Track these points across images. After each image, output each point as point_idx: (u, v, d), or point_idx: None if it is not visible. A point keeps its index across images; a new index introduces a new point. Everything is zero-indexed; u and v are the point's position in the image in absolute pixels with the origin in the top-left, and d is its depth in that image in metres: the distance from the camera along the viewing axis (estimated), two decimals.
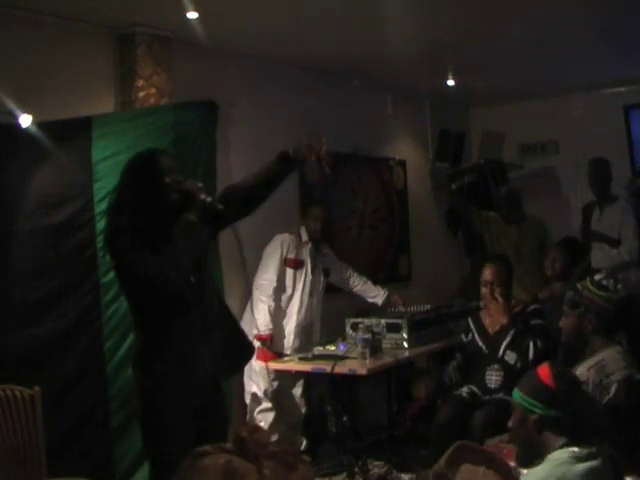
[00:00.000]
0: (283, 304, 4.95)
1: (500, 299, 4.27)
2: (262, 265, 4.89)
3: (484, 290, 4.34)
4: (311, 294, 5.03)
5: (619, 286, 3.07)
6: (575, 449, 2.15)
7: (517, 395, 2.34)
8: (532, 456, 2.27)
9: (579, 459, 2.12)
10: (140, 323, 2.87)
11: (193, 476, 2.19)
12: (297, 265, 4.96)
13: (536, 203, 6.34)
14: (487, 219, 5.95)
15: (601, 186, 5.67)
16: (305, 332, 5.03)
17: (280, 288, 4.88)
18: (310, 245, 5.03)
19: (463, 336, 4.42)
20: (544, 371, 2.30)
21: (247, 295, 4.94)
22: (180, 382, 2.78)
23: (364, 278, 5.41)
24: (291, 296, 4.96)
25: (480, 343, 4.29)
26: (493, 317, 4.30)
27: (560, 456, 2.15)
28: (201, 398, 2.84)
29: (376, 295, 5.35)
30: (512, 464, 2.55)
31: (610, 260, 5.35)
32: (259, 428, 2.52)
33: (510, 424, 2.37)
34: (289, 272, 4.94)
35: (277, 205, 5.52)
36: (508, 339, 4.16)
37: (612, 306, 3.01)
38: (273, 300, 4.81)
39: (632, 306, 3.16)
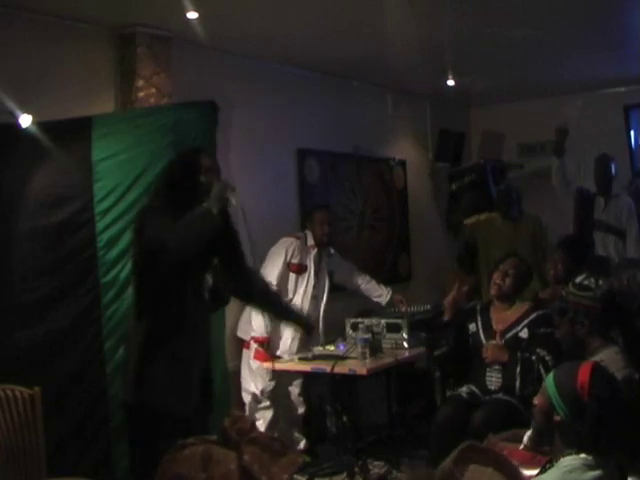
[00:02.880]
0: None
1: (505, 286, 4.17)
2: (264, 267, 4.88)
3: (495, 274, 4.23)
4: (314, 297, 5.03)
5: (600, 282, 3.08)
6: (587, 457, 2.13)
7: (551, 384, 2.26)
8: (544, 441, 2.26)
9: (590, 467, 2.11)
10: (144, 315, 2.91)
11: (174, 466, 2.21)
12: (300, 270, 4.95)
13: (536, 203, 6.34)
14: (481, 224, 5.99)
15: (605, 181, 5.71)
16: (304, 335, 5.02)
17: (281, 292, 4.87)
18: (315, 250, 5.02)
19: (468, 325, 4.26)
20: (584, 375, 2.20)
21: None
22: (175, 382, 2.81)
23: (367, 277, 5.40)
24: (291, 300, 4.95)
25: (484, 341, 4.19)
26: (500, 317, 4.21)
27: (571, 462, 2.13)
28: (192, 402, 2.89)
29: (380, 294, 5.35)
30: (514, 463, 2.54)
31: (616, 253, 5.43)
32: (242, 417, 2.56)
33: (536, 401, 2.32)
34: (291, 276, 4.93)
35: (277, 206, 5.56)
36: (519, 381, 3.92)
37: (598, 304, 3.02)
38: None
39: (617, 299, 3.15)
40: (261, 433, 2.58)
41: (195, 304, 2.99)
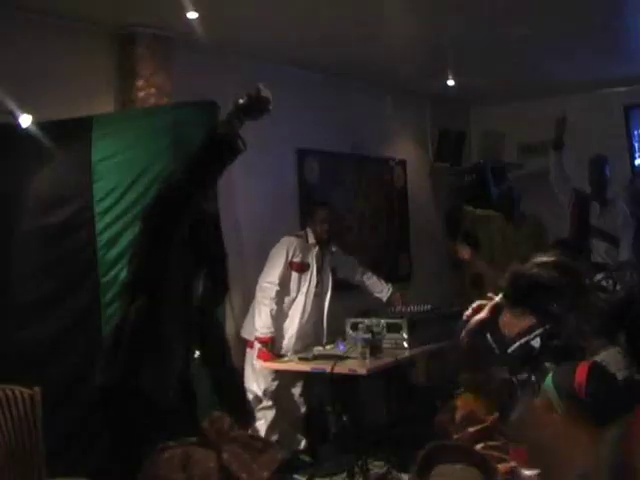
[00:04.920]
0: (286, 306, 4.94)
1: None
2: (267, 267, 4.89)
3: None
4: (317, 295, 5.03)
5: (618, 287, 3.06)
6: None
7: (549, 384, 2.25)
8: None
9: None
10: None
11: (154, 469, 2.21)
12: (302, 269, 4.96)
13: (536, 203, 6.34)
14: (480, 218, 5.98)
15: (600, 183, 5.67)
16: (308, 334, 5.03)
17: (283, 291, 4.88)
18: (317, 248, 5.02)
19: None
20: (581, 374, 2.20)
21: (246, 295, 4.95)
22: (156, 365, 2.78)
23: (369, 273, 5.43)
24: (294, 299, 4.96)
25: (492, 343, 4.16)
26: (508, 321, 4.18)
27: None
28: (169, 393, 2.86)
29: (381, 290, 5.38)
30: (512, 464, 2.53)
31: (609, 259, 5.39)
32: (221, 417, 2.54)
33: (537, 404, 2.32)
34: (294, 275, 4.93)
35: (277, 206, 5.55)
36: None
37: (611, 307, 3.00)
38: (276, 303, 4.81)
39: (632, 306, 3.14)
40: (241, 432, 2.56)
41: (186, 296, 2.93)
